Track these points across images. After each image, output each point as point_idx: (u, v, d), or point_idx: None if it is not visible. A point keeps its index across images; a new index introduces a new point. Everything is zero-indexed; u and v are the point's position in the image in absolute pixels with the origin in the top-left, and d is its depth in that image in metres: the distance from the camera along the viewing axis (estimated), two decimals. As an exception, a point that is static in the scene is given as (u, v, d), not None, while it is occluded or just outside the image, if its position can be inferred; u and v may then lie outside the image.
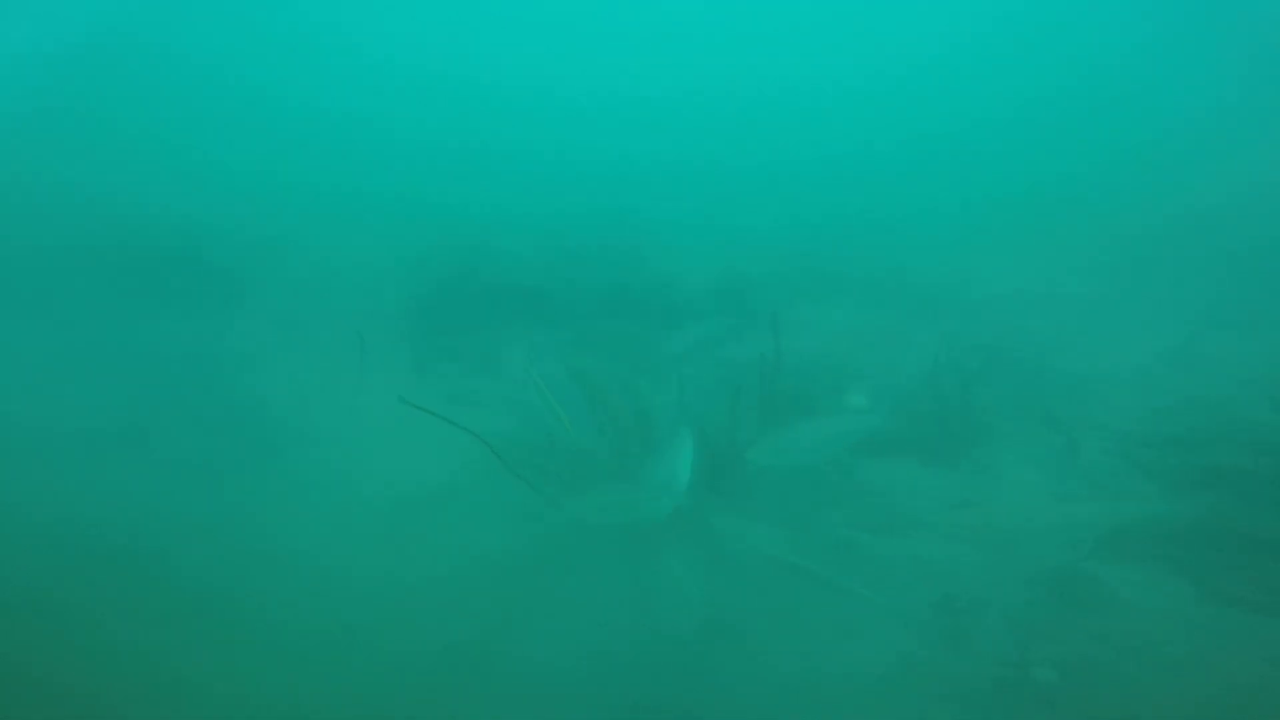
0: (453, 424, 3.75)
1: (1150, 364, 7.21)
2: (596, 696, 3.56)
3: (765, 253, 10.41)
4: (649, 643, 4.06)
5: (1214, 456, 5.16)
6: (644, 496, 4.36)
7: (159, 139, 11.61)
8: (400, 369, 8.46)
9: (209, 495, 5.03)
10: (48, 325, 7.95)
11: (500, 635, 4.00)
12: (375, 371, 7.63)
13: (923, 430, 5.75)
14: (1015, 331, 7.75)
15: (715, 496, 4.84)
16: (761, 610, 4.26)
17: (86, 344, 7.50)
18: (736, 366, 7.60)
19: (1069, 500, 4.94)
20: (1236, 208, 10.58)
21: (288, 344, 8.61)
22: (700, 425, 5.14)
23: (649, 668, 3.83)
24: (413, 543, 4.67)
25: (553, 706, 3.56)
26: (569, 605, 4.16)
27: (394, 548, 4.61)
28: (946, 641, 3.93)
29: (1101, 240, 9.83)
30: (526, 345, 8.68)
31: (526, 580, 4.45)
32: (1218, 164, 11.46)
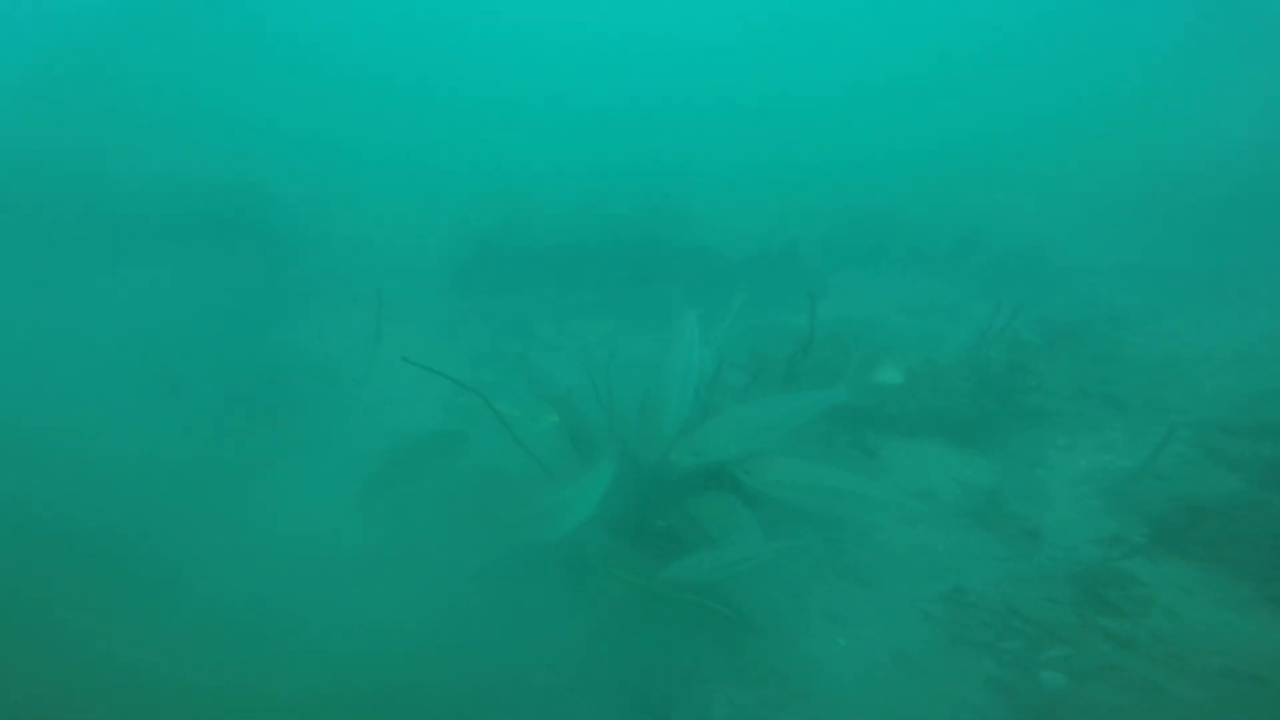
0: (460, 384, 3.77)
1: (1253, 346, 6.42)
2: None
3: (814, 219, 9.95)
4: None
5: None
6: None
7: (216, 107, 12.41)
8: (434, 327, 8.78)
9: (225, 441, 5.45)
10: (111, 276, 8.75)
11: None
12: (406, 329, 7.96)
13: (960, 410, 5.39)
14: (1089, 306, 7.08)
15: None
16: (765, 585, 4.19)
17: (142, 294, 8.20)
18: (770, 333, 7.39)
19: (1119, 494, 4.51)
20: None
21: (329, 301, 9.12)
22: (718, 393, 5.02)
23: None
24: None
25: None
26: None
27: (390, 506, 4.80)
28: (949, 636, 3.73)
29: (1205, 210, 8.72)
30: (556, 308, 8.78)
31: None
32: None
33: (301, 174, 11.97)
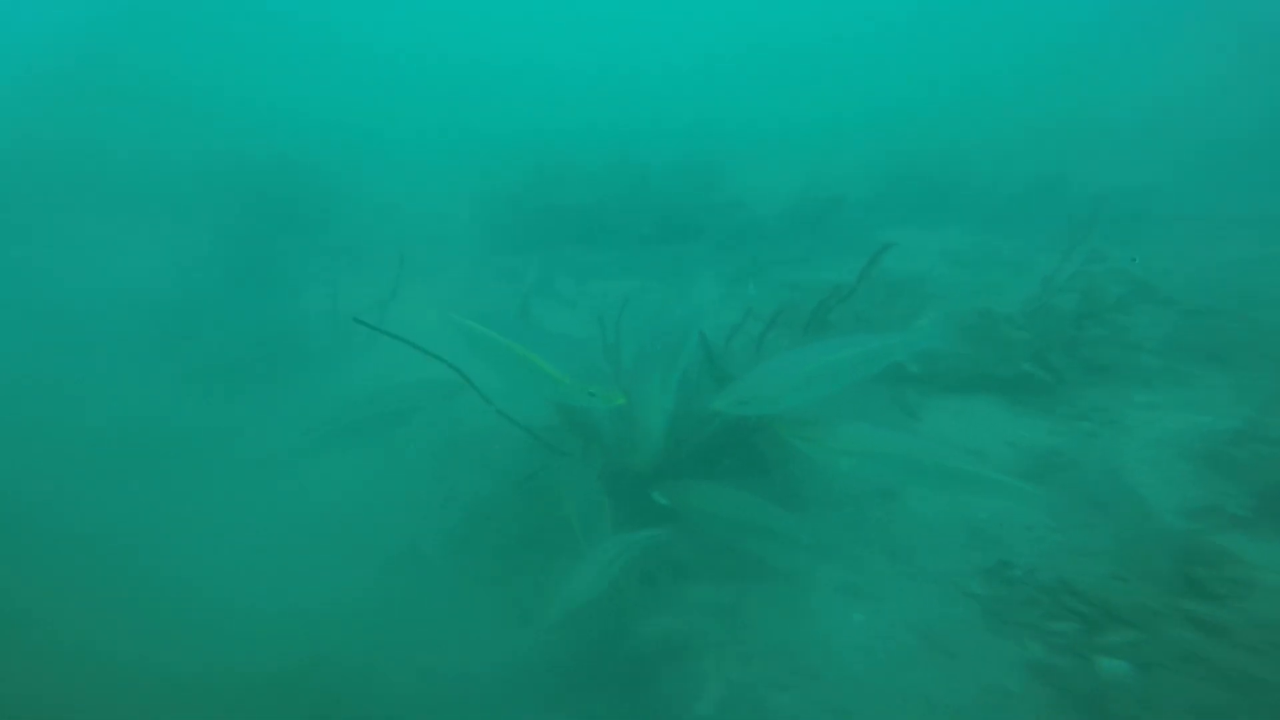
0: (424, 351, 3.43)
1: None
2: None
3: (860, 172, 9.16)
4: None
5: None
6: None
7: (249, 82, 12.74)
8: (453, 286, 8.63)
9: (224, 400, 5.41)
10: (151, 241, 9.01)
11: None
12: (424, 289, 7.82)
13: (1015, 364, 4.69)
14: (1189, 253, 6.11)
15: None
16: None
17: (177, 260, 8.37)
18: (806, 290, 6.79)
19: (1216, 459, 3.75)
20: None
21: (351, 265, 9.12)
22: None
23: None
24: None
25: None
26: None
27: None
28: (987, 615, 3.16)
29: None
30: (579, 266, 8.45)
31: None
32: None
33: (333, 144, 12.10)
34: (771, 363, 3.41)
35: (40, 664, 3.04)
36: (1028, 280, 5.60)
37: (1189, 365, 4.53)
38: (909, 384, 5.05)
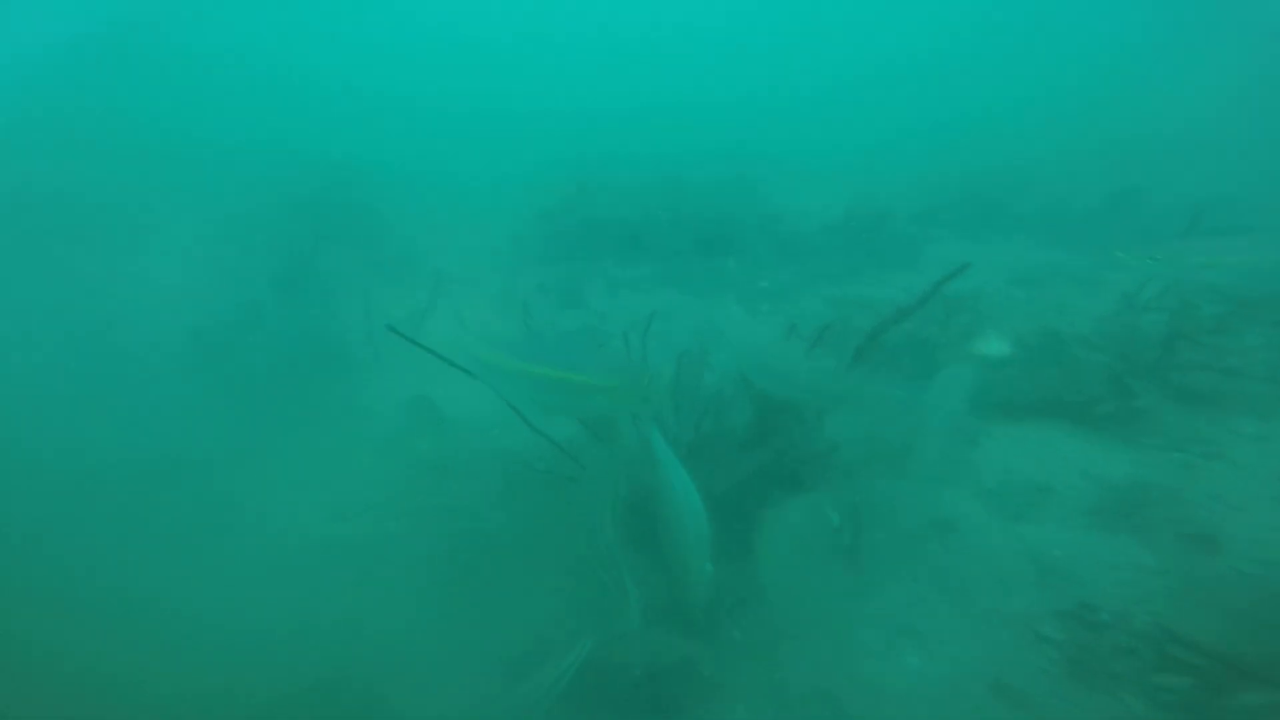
0: (454, 364, 3.26)
1: None
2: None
3: (910, 187, 8.81)
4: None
5: None
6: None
7: (312, 90, 13.26)
8: (488, 299, 8.58)
9: (255, 411, 5.38)
10: (197, 250, 9.25)
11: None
12: (460, 302, 7.77)
13: (1091, 389, 4.25)
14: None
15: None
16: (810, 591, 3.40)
17: (219, 270, 8.54)
18: (848, 307, 6.46)
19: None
20: None
21: (391, 278, 9.19)
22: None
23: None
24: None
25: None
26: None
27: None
28: (1070, 665, 2.74)
29: None
30: (613, 280, 8.30)
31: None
32: None
33: (383, 161, 12.39)
34: None
35: (53, 688, 2.96)
36: (1100, 299, 5.16)
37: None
38: (968, 410, 4.65)
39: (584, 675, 2.80)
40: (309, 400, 5.83)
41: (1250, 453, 3.56)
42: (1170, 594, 2.83)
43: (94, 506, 4.40)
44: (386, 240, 10.60)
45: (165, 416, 5.52)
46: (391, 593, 3.59)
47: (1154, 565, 3.03)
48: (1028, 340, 4.70)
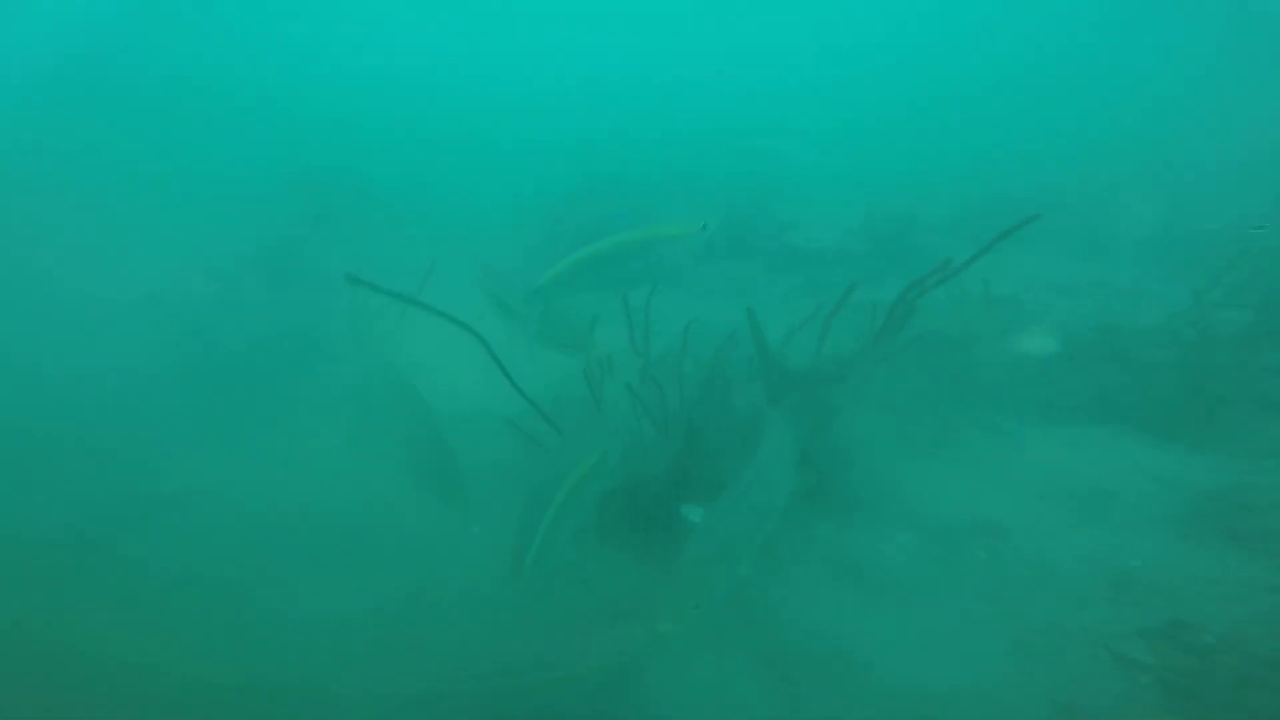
0: (441, 314, 2.85)
1: None
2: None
3: (935, 198, 8.46)
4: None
5: None
6: None
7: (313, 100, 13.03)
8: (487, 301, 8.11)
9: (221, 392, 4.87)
10: (186, 245, 8.70)
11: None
12: (456, 297, 7.31)
13: (1156, 389, 3.74)
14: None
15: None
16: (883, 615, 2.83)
17: (209, 263, 7.95)
18: (868, 311, 5.99)
19: None
20: None
21: (382, 272, 8.70)
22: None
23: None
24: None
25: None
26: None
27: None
28: (1166, 692, 2.16)
29: None
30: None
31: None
32: None
33: (382, 153, 12.10)
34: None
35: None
36: (1149, 310, 4.69)
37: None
38: (1004, 411, 4.14)
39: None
40: (281, 384, 5.30)
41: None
42: (1262, 615, 2.27)
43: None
44: (382, 235, 10.13)
45: (117, 390, 4.99)
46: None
47: (1266, 580, 2.47)
48: (1080, 337, 4.22)
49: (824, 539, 3.26)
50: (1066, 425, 3.90)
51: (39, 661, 2.54)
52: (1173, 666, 2.24)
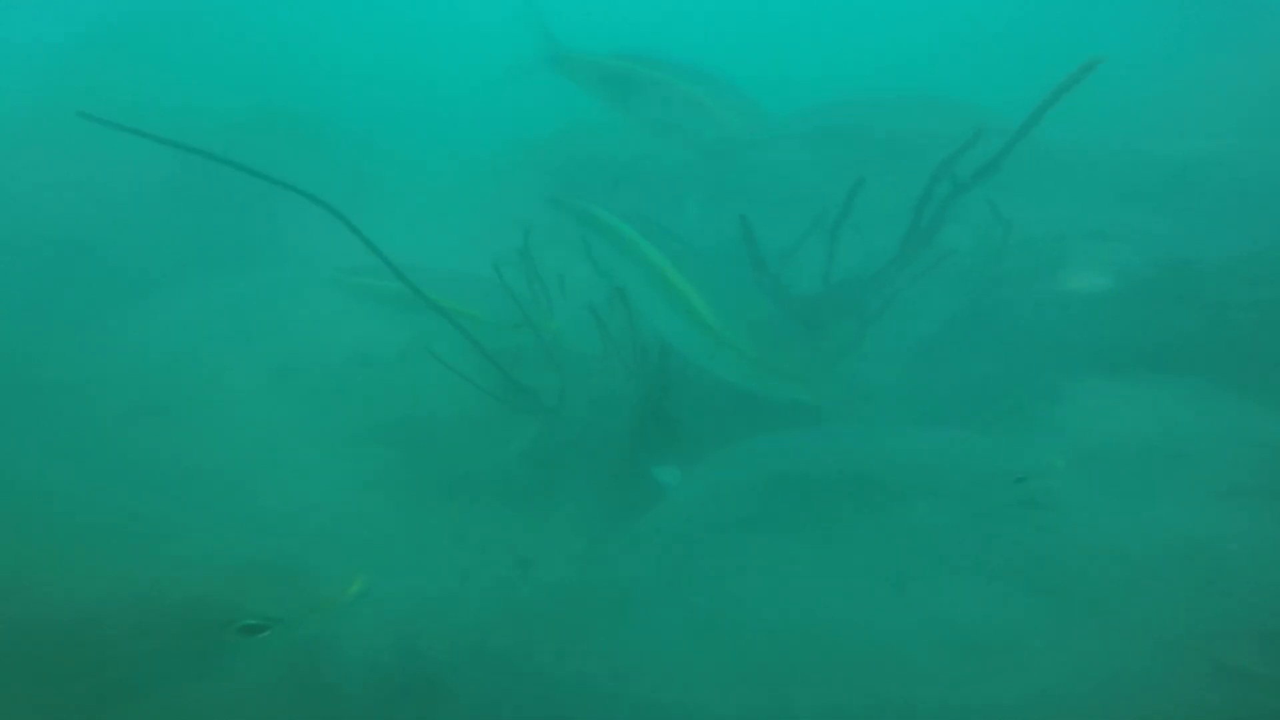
0: (394, 270, 2.30)
1: None
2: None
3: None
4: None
5: None
6: None
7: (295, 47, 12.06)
8: (462, 231, 7.55)
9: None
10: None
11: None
12: (429, 232, 6.75)
13: (1235, 333, 3.14)
14: None
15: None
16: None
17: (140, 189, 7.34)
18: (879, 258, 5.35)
19: None
20: None
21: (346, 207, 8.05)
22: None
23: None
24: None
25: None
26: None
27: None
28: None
29: None
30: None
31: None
32: None
33: (353, 91, 11.33)
34: None
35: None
36: (1226, 244, 4.05)
37: None
38: (1046, 357, 3.53)
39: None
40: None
41: None
42: None
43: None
44: (345, 174, 9.45)
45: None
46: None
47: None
48: (1140, 273, 3.60)
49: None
50: (1125, 379, 3.30)
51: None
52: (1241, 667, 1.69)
